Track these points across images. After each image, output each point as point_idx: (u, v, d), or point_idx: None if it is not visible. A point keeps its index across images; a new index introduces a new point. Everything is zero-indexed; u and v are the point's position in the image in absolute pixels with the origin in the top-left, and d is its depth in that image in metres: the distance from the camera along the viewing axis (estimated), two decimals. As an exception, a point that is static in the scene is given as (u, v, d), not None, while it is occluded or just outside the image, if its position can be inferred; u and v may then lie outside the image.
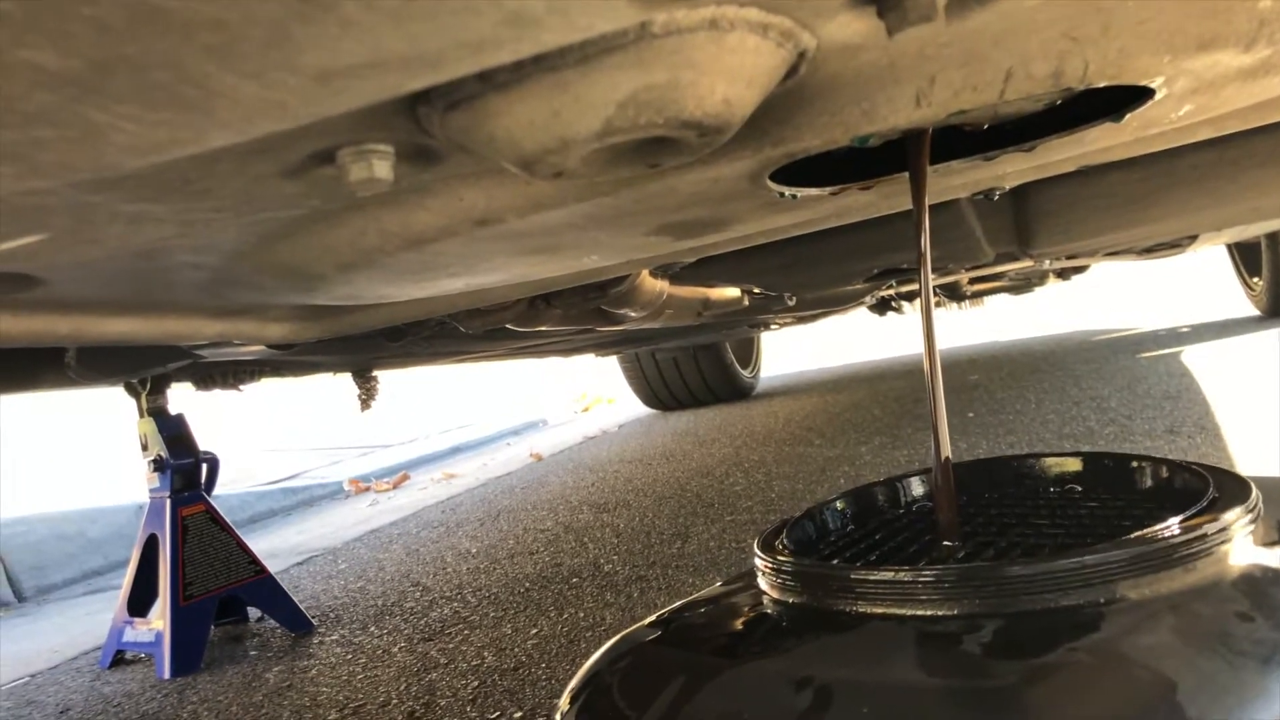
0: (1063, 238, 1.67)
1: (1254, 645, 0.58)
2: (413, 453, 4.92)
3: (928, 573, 0.65)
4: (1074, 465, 0.89)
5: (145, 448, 1.82)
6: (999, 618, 0.63)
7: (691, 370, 4.81)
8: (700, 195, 0.81)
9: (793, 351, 7.92)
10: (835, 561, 0.77)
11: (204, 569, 1.76)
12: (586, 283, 1.33)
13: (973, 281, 3.72)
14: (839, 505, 0.90)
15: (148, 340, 1.11)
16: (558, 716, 0.74)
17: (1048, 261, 2.76)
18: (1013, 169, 0.98)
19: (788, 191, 0.84)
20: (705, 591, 0.85)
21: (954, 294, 4.11)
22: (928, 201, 1.03)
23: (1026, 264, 2.63)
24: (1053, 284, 4.28)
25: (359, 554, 2.54)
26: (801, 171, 0.85)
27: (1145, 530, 0.65)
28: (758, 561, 0.77)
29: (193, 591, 1.73)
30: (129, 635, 1.77)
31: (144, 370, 1.53)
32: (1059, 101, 0.77)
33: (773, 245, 1.38)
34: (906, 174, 0.86)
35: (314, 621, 1.84)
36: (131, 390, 1.82)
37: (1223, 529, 0.65)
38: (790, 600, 0.73)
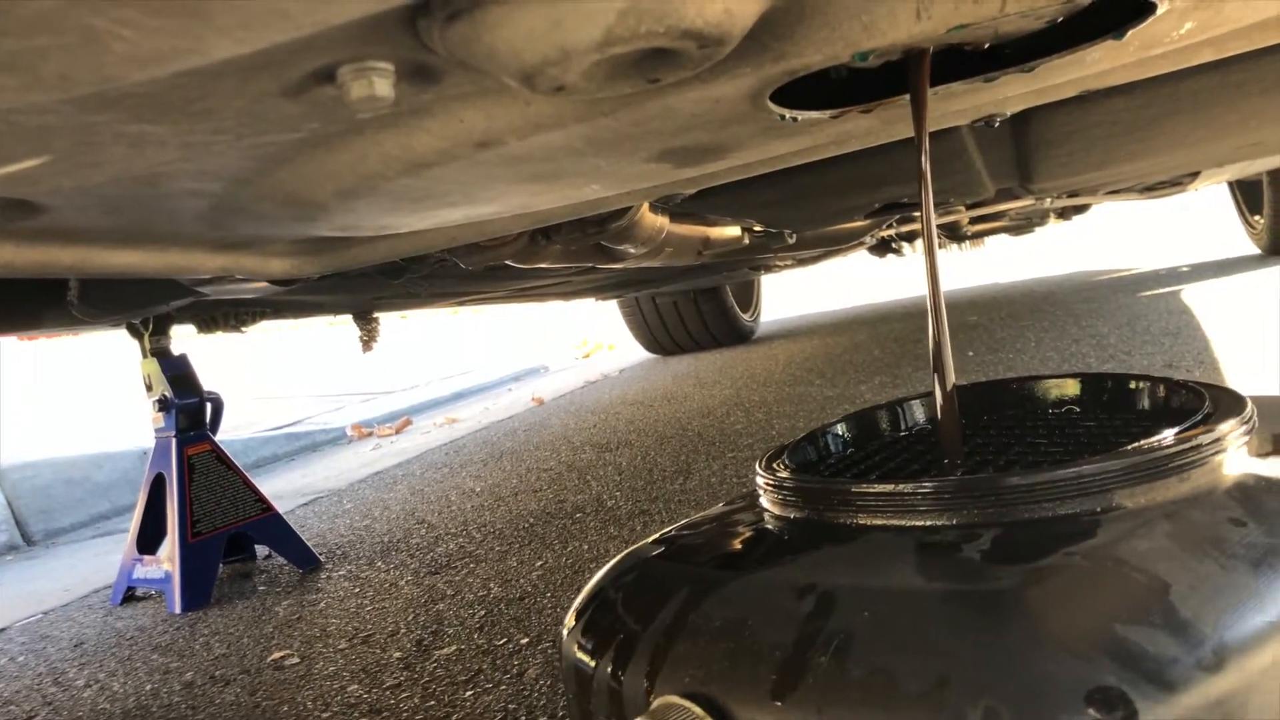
0: (1064, 170, 1.66)
1: (1246, 549, 0.59)
2: (415, 399, 4.94)
3: (927, 484, 0.66)
4: (1072, 387, 0.90)
5: (149, 388, 1.84)
6: (998, 526, 0.64)
7: (692, 314, 4.81)
8: (701, 117, 0.80)
9: (793, 295, 7.91)
10: (834, 478, 0.78)
11: (211, 507, 1.78)
12: (586, 216, 1.33)
13: (973, 221, 3.72)
14: (840, 428, 0.91)
15: (150, 273, 1.11)
16: (564, 633, 0.75)
17: (1049, 200, 2.75)
18: (1014, 92, 0.98)
19: (788, 114, 0.84)
20: (708, 511, 0.86)
21: (954, 234, 4.10)
22: (929, 127, 1.03)
23: (1028, 202, 2.62)
24: (1053, 224, 4.27)
25: (364, 494, 2.57)
26: (801, 96, 0.85)
27: (1141, 442, 0.66)
28: (759, 479, 0.78)
29: (201, 529, 1.75)
30: (139, 572, 1.79)
31: (146, 308, 1.53)
32: (1060, 19, 0.77)
33: (773, 179, 1.37)
34: (907, 97, 0.86)
35: (321, 558, 1.87)
36: (134, 331, 1.82)
37: (1217, 439, 0.66)
38: (792, 515, 0.74)
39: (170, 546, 1.74)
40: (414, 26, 0.56)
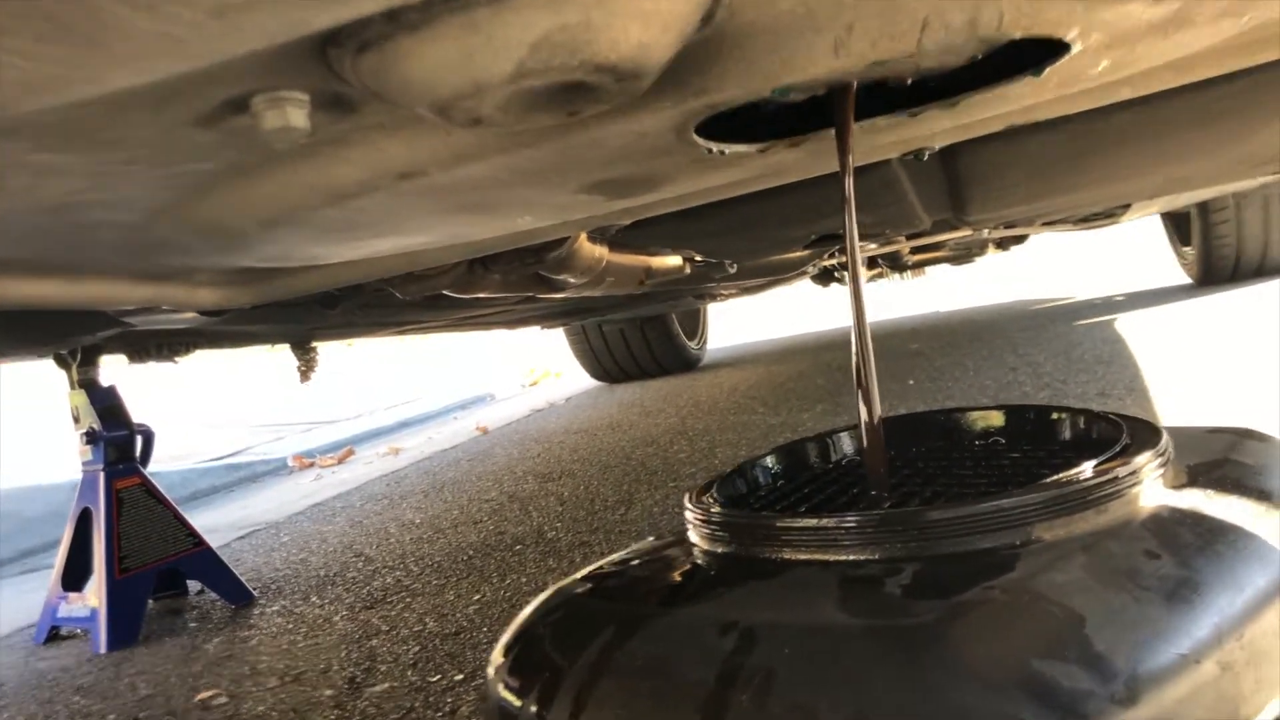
0: (995, 203, 1.69)
1: (1160, 581, 0.60)
2: (358, 428, 4.87)
3: (850, 519, 0.66)
4: (997, 418, 0.91)
5: (77, 420, 1.79)
6: (919, 560, 0.64)
7: (638, 342, 4.82)
8: (627, 150, 0.80)
9: (739, 323, 7.96)
10: (762, 512, 0.78)
11: (140, 542, 1.74)
12: (523, 246, 1.32)
13: (914, 251, 3.78)
14: (769, 461, 0.91)
15: (69, 304, 1.08)
16: (491, 670, 0.74)
17: (986, 230, 2.80)
18: (940, 127, 0.99)
19: (715, 147, 0.84)
20: (637, 546, 0.85)
21: (896, 264, 4.15)
22: (856, 161, 1.03)
23: (965, 233, 2.66)
24: (993, 254, 4.35)
25: (302, 527, 2.52)
26: (732, 129, 0.86)
27: (1059, 475, 0.67)
28: (687, 514, 0.78)
29: (129, 565, 1.70)
30: (64, 611, 1.73)
31: (71, 340, 1.49)
32: (980, 56, 0.78)
33: (711, 210, 1.38)
34: (833, 130, 0.87)
35: (255, 593, 1.82)
36: (61, 362, 1.77)
37: (1133, 472, 0.67)
38: (719, 550, 0.74)
39: (97, 583, 1.69)
40: (325, 56, 0.55)
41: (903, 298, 7.54)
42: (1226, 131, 1.37)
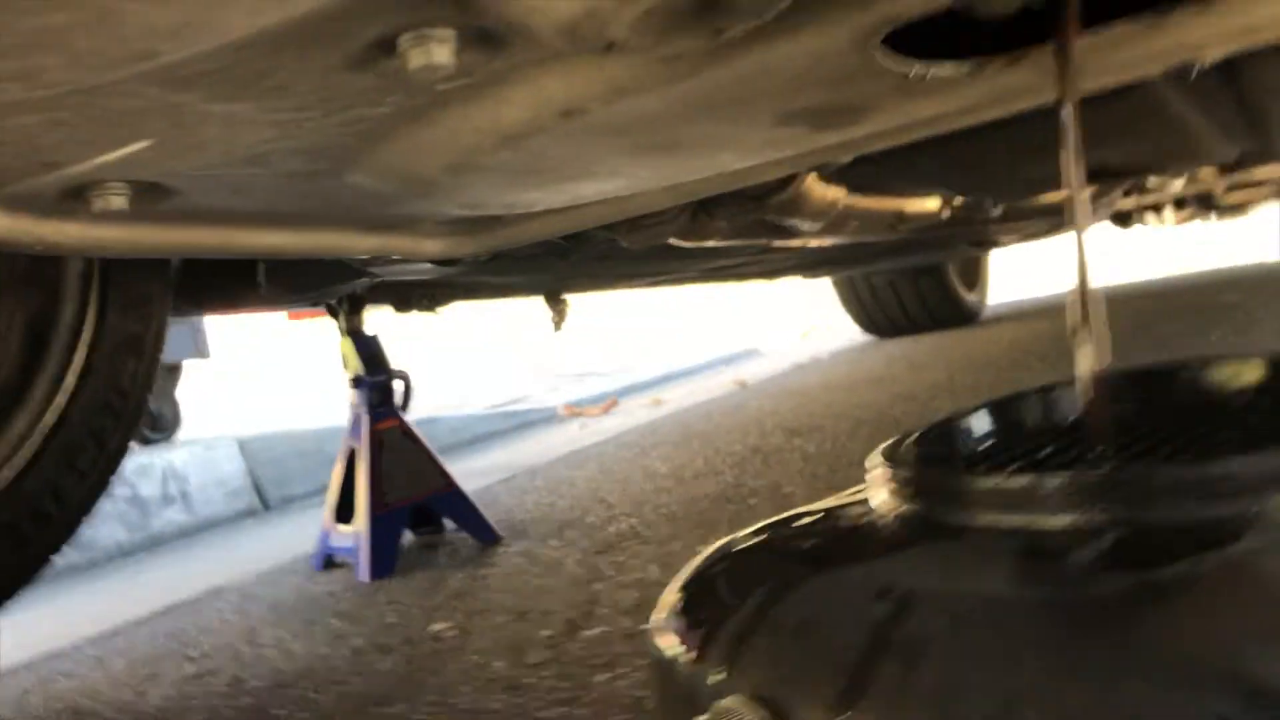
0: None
1: None
2: (625, 380, 5.02)
3: (1039, 477, 0.58)
4: (1259, 370, 0.77)
5: (345, 366, 1.94)
6: (1121, 528, 0.55)
7: (910, 293, 4.60)
8: (808, 74, 0.74)
9: (1030, 273, 7.43)
10: (948, 468, 0.70)
11: (397, 480, 1.86)
12: (741, 188, 1.26)
13: (1229, 189, 3.38)
14: (974, 418, 0.82)
15: (301, 252, 1.15)
16: (653, 619, 0.72)
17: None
18: (1203, 36, 0.84)
19: (914, 70, 0.76)
20: (819, 503, 0.80)
21: (1208, 204, 3.74)
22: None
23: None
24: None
25: (556, 472, 2.62)
26: (939, 47, 0.77)
27: (1314, 434, 0.55)
28: (868, 469, 0.72)
29: (386, 501, 1.83)
30: (333, 541, 1.90)
31: (330, 288, 1.61)
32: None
33: (944, 144, 1.25)
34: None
35: (502, 533, 1.91)
36: (331, 311, 1.92)
37: None
38: (898, 509, 0.67)
39: (359, 517, 1.83)
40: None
41: (1220, 243, 6.74)
42: None
